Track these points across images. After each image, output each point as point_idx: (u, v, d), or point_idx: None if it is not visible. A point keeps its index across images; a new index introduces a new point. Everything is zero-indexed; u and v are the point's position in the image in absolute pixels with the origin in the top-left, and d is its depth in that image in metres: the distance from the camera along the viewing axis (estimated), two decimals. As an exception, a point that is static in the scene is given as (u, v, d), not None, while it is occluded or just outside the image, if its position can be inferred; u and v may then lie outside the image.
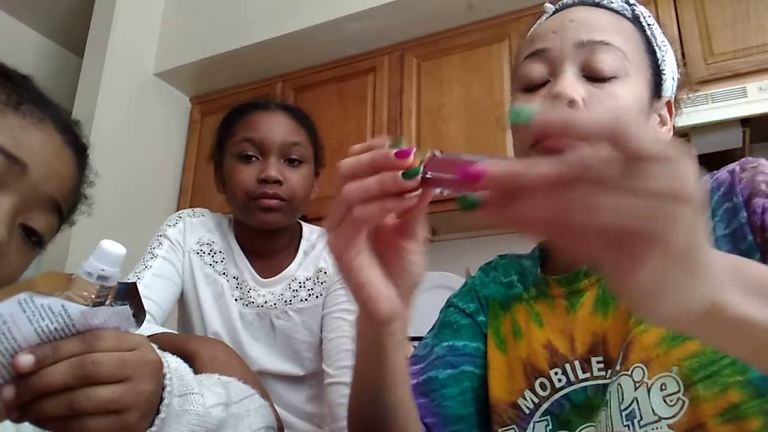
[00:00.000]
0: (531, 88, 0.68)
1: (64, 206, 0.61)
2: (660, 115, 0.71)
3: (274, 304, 1.15)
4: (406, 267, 0.51)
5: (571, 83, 0.64)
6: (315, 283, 1.16)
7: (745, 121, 1.68)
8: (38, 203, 0.57)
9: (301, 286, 1.16)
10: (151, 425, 0.49)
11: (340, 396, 1.04)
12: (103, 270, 0.47)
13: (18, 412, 0.43)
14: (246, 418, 0.64)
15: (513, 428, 0.67)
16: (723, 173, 0.65)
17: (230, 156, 1.14)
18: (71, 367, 0.44)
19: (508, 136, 1.73)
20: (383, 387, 0.60)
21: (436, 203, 0.55)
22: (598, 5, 0.70)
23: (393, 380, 0.60)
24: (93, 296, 0.46)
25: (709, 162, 0.68)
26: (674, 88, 0.73)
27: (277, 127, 1.13)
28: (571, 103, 0.63)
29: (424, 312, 0.80)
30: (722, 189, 0.63)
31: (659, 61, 0.70)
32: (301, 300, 1.15)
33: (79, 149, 0.63)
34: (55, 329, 0.44)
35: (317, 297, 1.15)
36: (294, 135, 1.14)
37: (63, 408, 0.43)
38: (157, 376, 0.49)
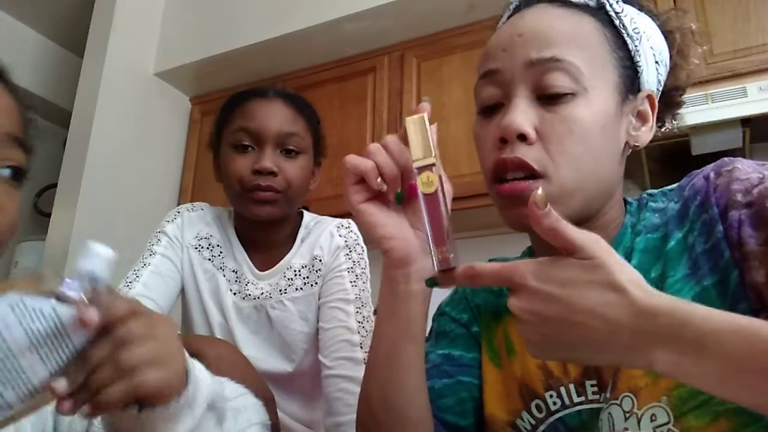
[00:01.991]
0: (487, 111, 0.64)
1: (25, 138, 0.61)
2: (639, 112, 0.65)
3: (270, 294, 1.12)
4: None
5: (521, 111, 0.59)
6: (310, 271, 1.13)
7: (745, 121, 1.68)
8: (5, 144, 0.58)
9: (296, 275, 1.13)
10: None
11: (337, 390, 1.02)
12: (92, 272, 0.47)
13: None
14: (244, 412, 0.65)
15: None
16: (699, 179, 0.62)
17: (226, 145, 1.12)
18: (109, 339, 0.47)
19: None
20: (400, 338, 0.62)
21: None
22: (555, 1, 0.64)
23: (409, 331, 0.62)
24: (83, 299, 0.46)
25: (709, 162, 0.66)
26: (659, 75, 0.67)
27: (273, 117, 1.09)
28: (521, 136, 0.59)
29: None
30: (698, 198, 0.60)
31: (632, 53, 0.64)
32: (296, 289, 1.13)
33: (4, 80, 0.63)
34: (45, 332, 0.44)
35: (312, 285, 1.13)
36: (291, 125, 1.11)
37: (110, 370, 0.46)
38: (175, 330, 0.53)
